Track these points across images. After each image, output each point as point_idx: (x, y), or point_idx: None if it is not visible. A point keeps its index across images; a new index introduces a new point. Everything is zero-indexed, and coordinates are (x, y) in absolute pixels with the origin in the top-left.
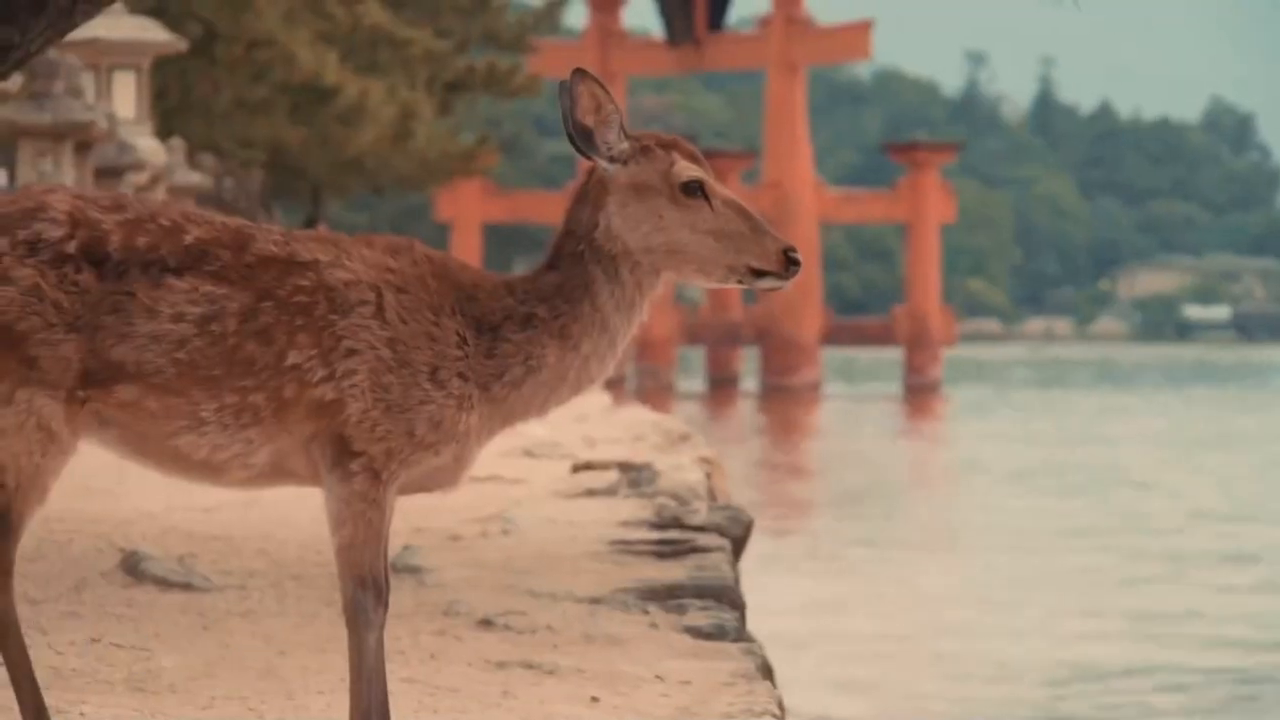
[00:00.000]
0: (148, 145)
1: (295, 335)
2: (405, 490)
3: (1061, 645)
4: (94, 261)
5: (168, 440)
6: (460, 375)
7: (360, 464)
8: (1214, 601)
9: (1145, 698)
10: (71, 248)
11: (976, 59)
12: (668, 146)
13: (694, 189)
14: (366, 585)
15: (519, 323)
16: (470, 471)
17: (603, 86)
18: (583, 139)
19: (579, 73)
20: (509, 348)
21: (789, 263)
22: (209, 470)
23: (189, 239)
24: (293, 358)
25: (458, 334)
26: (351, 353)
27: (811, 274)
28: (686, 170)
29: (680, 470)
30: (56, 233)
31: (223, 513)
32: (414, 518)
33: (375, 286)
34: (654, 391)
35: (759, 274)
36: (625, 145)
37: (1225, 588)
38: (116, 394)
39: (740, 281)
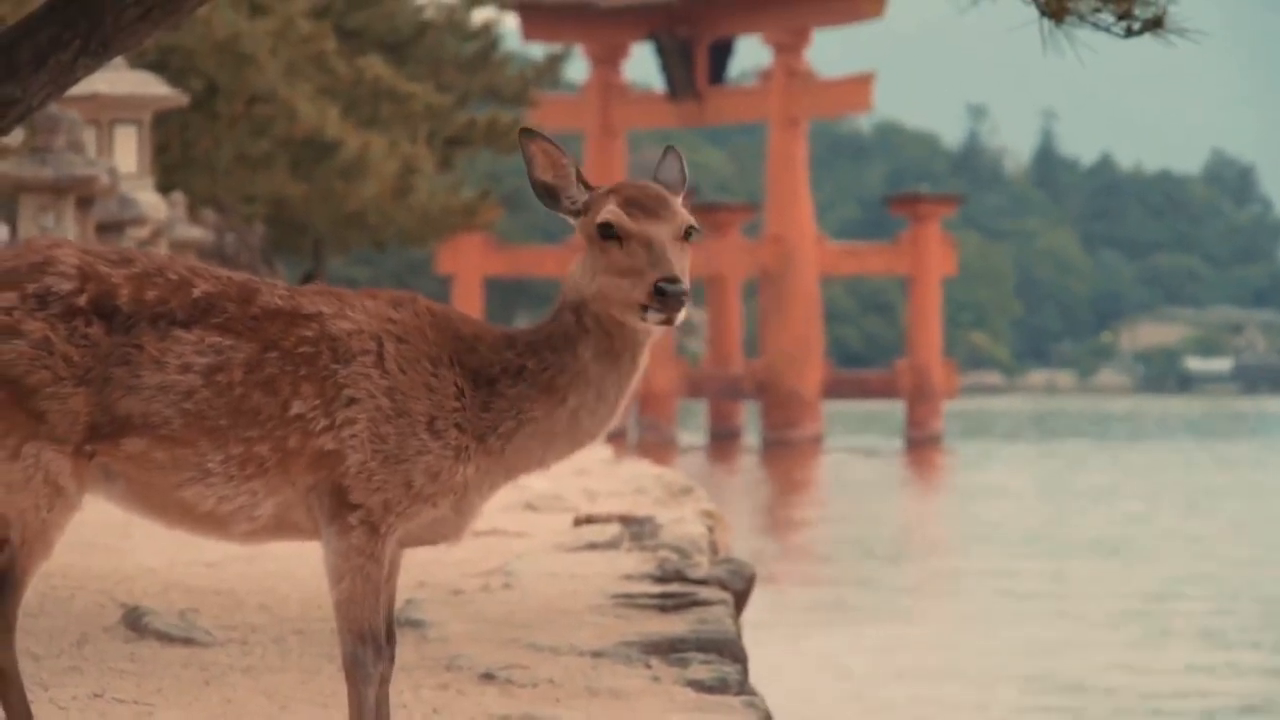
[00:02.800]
0: (149, 200)
1: (299, 385)
2: (407, 542)
3: (1066, 698)
4: (103, 315)
5: (174, 492)
6: (457, 426)
7: (358, 517)
8: (1208, 665)
9: None
10: (82, 301)
11: (977, 112)
12: (609, 192)
13: (607, 231)
14: (365, 639)
15: (512, 376)
16: (473, 524)
17: (552, 142)
18: (547, 196)
19: (526, 133)
20: (502, 401)
21: (657, 293)
22: (215, 523)
23: (196, 292)
24: (296, 407)
25: (455, 385)
26: (352, 401)
27: (813, 327)
28: (605, 213)
29: (682, 524)
30: (66, 286)
31: (225, 568)
32: (416, 572)
33: (377, 336)
34: (655, 445)
35: (645, 309)
36: (585, 196)
37: (1217, 653)
38: (124, 447)
39: (643, 319)
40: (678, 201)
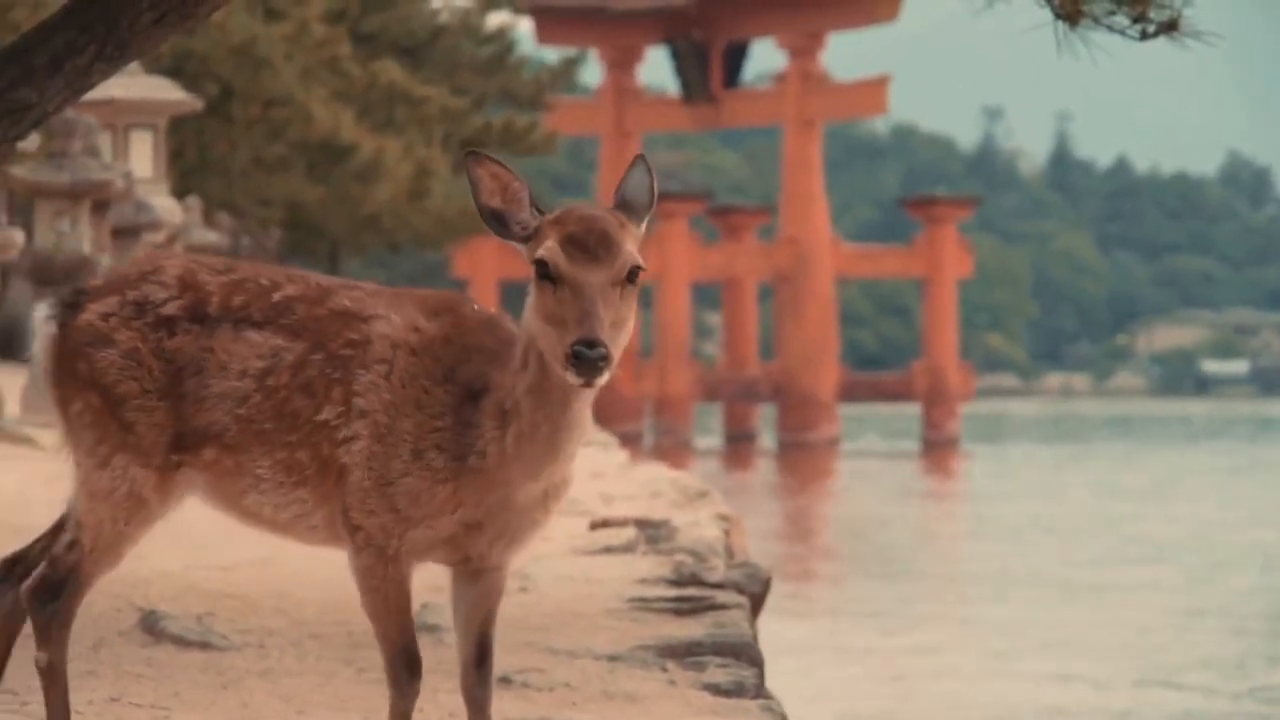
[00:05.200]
0: (165, 204)
1: (331, 390)
2: (445, 561)
3: (1076, 698)
4: (191, 324)
5: (239, 499)
6: (437, 447)
7: (362, 538)
8: (1228, 656)
9: None
10: (172, 309)
11: (993, 114)
12: (554, 223)
13: (542, 269)
14: (396, 658)
15: (487, 393)
16: (516, 543)
17: (502, 165)
18: (495, 222)
19: (473, 155)
20: (479, 417)
21: (574, 356)
22: (281, 529)
23: (277, 296)
24: (325, 413)
25: (443, 403)
26: (361, 414)
27: (828, 330)
28: (542, 250)
29: (698, 527)
30: (161, 295)
31: (241, 571)
32: (431, 576)
33: (397, 345)
34: (671, 448)
35: (564, 367)
36: (536, 222)
37: (1239, 638)
38: (202, 455)
39: (565, 377)
40: (627, 235)
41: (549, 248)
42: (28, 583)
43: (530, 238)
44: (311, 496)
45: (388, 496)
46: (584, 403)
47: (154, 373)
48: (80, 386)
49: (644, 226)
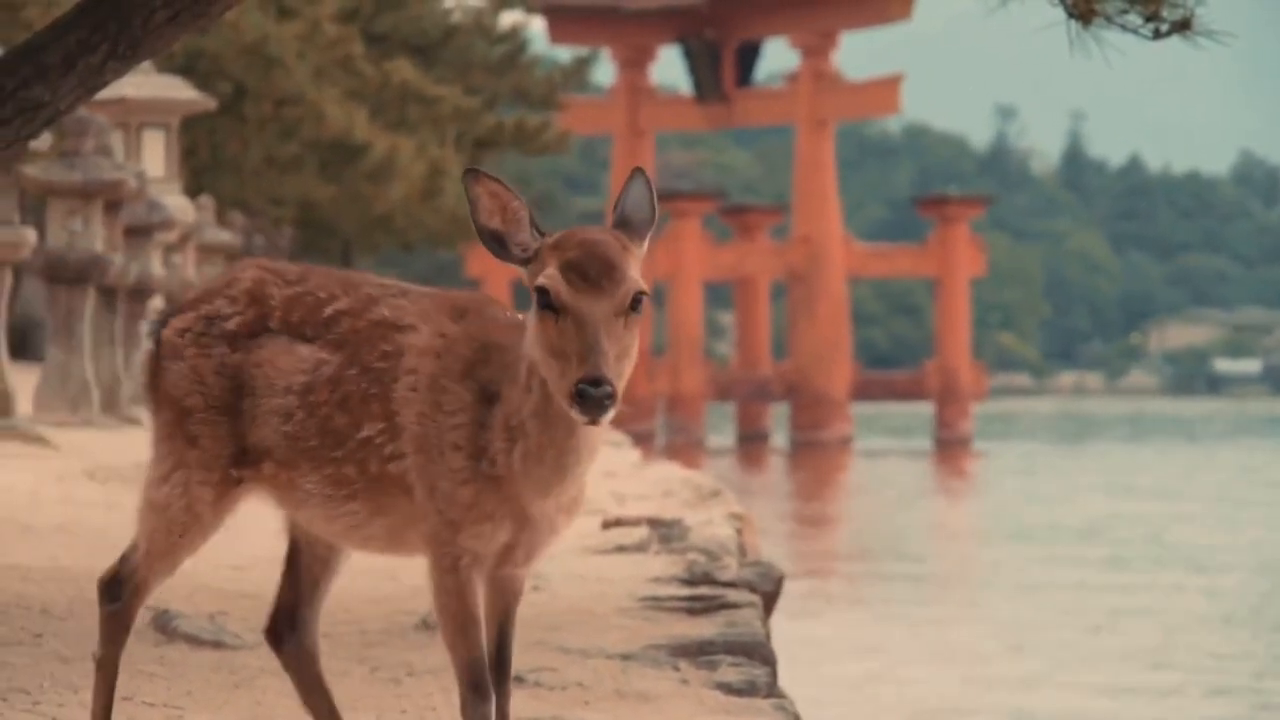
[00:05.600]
0: (177, 203)
1: (370, 405)
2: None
3: (1090, 701)
4: (253, 338)
5: (296, 511)
6: (454, 445)
7: (431, 553)
8: (1240, 662)
9: None
10: (235, 324)
11: (1006, 113)
12: (554, 247)
13: (544, 298)
14: (460, 678)
15: (499, 402)
16: (530, 551)
17: (501, 183)
18: (494, 243)
19: (472, 173)
20: (491, 422)
21: (578, 395)
22: (339, 538)
23: (329, 310)
24: (366, 429)
25: (460, 399)
26: (402, 430)
27: (841, 329)
28: (543, 278)
29: (711, 526)
30: (229, 310)
31: (254, 570)
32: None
33: (423, 353)
34: (684, 447)
35: (569, 404)
36: (536, 244)
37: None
38: (261, 470)
39: (570, 412)
40: (630, 258)
41: (550, 276)
42: (102, 575)
43: (530, 260)
44: (364, 509)
45: (434, 503)
46: (595, 431)
47: (217, 388)
48: (158, 401)
49: (645, 245)
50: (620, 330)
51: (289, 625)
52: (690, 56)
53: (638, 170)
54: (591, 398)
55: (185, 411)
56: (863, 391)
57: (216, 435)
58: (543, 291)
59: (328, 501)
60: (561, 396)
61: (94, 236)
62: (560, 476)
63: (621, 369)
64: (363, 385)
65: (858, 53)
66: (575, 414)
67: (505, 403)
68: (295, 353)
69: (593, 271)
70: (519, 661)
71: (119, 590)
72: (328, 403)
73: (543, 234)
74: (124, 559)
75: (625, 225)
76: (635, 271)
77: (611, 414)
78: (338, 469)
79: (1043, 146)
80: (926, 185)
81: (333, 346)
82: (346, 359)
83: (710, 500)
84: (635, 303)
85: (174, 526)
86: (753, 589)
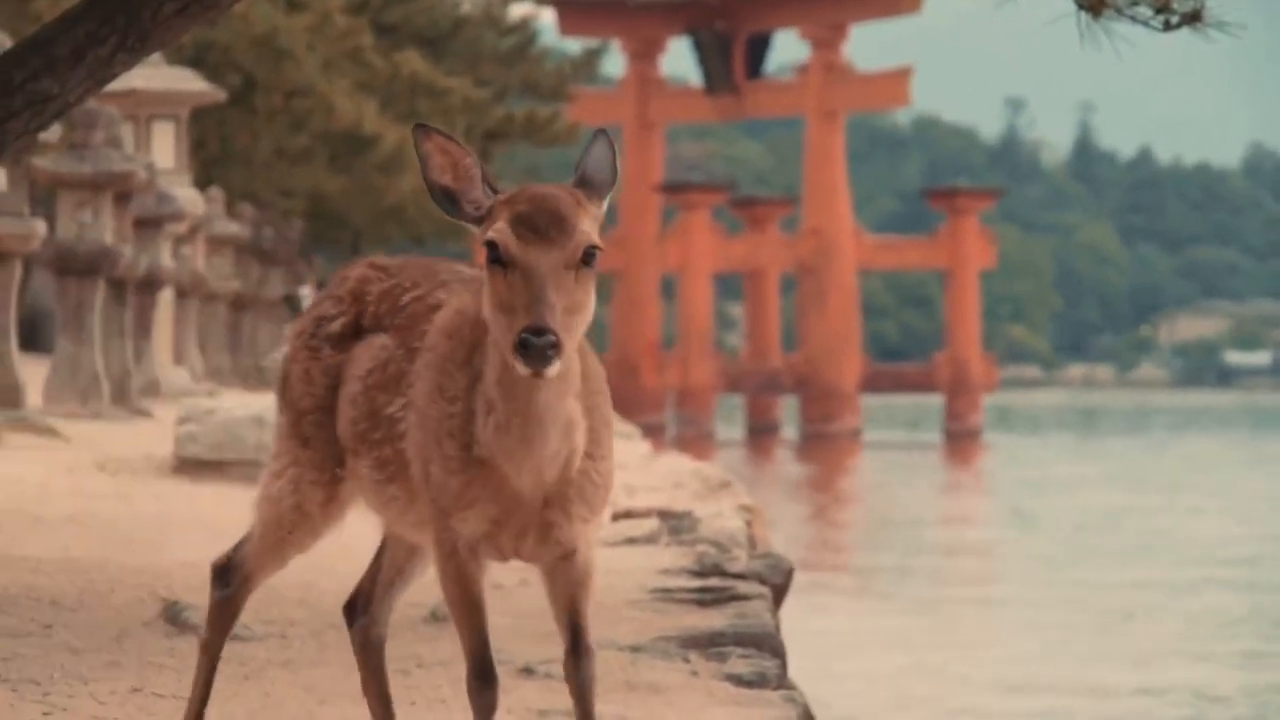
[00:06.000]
0: (187, 195)
1: (401, 382)
2: (494, 559)
3: (1107, 697)
4: (351, 336)
5: (366, 503)
6: (450, 434)
7: (432, 538)
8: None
9: None
10: (338, 325)
11: (1016, 105)
12: (506, 202)
13: (493, 252)
14: (469, 665)
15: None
16: (540, 540)
17: (452, 139)
18: (445, 200)
19: (421, 129)
20: (478, 404)
21: (520, 345)
22: (393, 526)
23: (406, 298)
24: (394, 406)
25: (460, 386)
26: (410, 405)
27: (851, 321)
28: (491, 232)
29: (720, 518)
30: (333, 310)
31: None
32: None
33: (440, 332)
34: (693, 439)
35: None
36: (489, 202)
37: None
38: (348, 465)
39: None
40: (584, 214)
41: (498, 229)
42: (216, 560)
43: (483, 218)
44: (402, 493)
45: (429, 487)
46: (553, 394)
47: (322, 389)
48: (280, 401)
49: (604, 205)
50: (570, 284)
51: (362, 608)
52: (700, 48)
53: (600, 132)
54: (534, 346)
55: (300, 413)
56: (873, 384)
57: (325, 436)
58: (491, 246)
59: (375, 486)
60: (506, 350)
61: (104, 228)
62: (528, 448)
63: (571, 324)
64: (403, 365)
65: (868, 45)
66: (519, 366)
67: (485, 377)
68: (373, 344)
69: (541, 223)
70: (530, 653)
71: (230, 577)
72: (377, 384)
73: (496, 192)
74: (238, 546)
75: (585, 185)
76: (589, 226)
77: (556, 365)
78: (380, 450)
79: (1052, 139)
80: (936, 177)
81: (396, 332)
82: (399, 341)
83: (720, 492)
84: (588, 257)
85: (284, 522)
86: (762, 581)
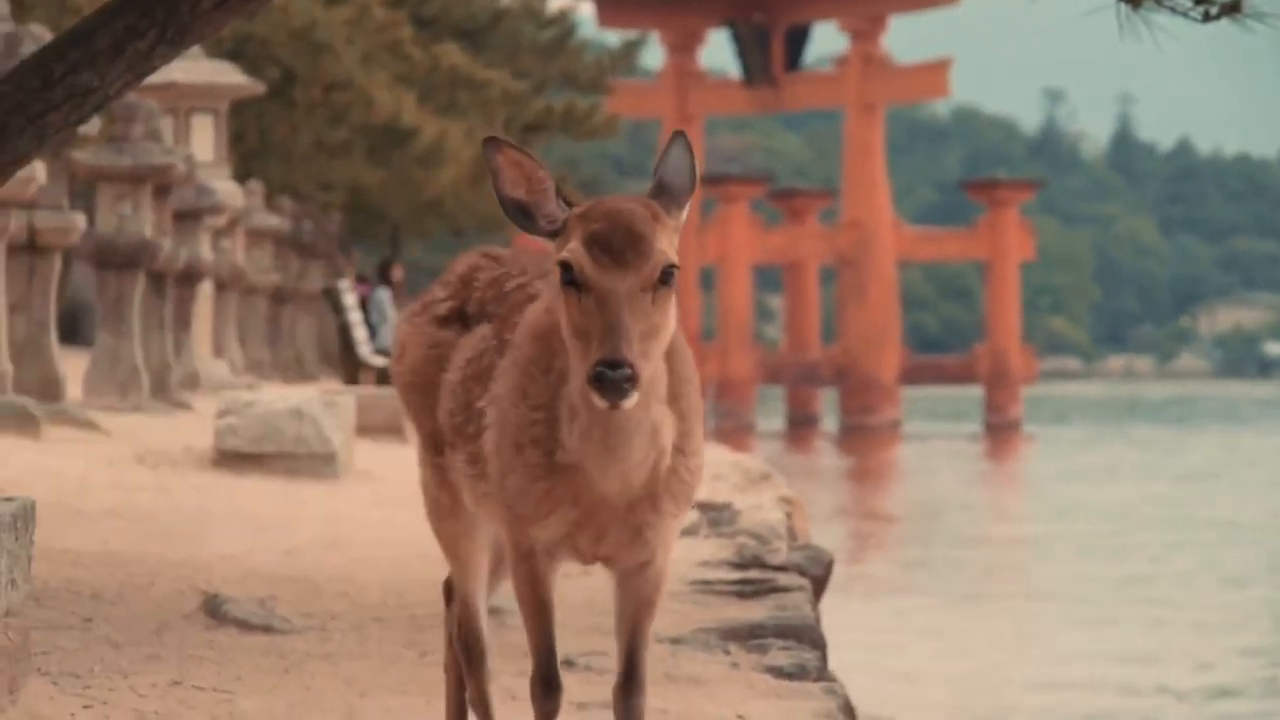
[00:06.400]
0: (226, 188)
1: (488, 378)
2: (575, 560)
3: (1145, 683)
4: (454, 323)
5: (465, 494)
6: (533, 441)
7: (507, 538)
8: None
9: None
10: (444, 310)
11: (1055, 96)
12: (580, 218)
13: (566, 274)
14: (535, 668)
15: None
16: (620, 544)
17: (525, 153)
18: (520, 215)
19: (493, 143)
20: (563, 408)
21: (595, 377)
22: (490, 524)
23: (509, 285)
24: (482, 399)
25: (544, 392)
26: (493, 401)
27: (891, 313)
28: (566, 252)
29: (760, 510)
30: (441, 295)
31: (304, 555)
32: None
33: (528, 330)
34: (733, 431)
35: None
36: (563, 215)
37: None
38: (448, 455)
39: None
40: (661, 229)
41: (573, 250)
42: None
43: (558, 232)
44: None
45: (505, 492)
46: (637, 406)
47: (424, 375)
48: (398, 388)
49: (684, 213)
50: (647, 307)
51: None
52: (739, 40)
53: (678, 133)
54: (609, 380)
55: (410, 401)
56: (912, 375)
57: (425, 422)
58: (565, 267)
59: (468, 481)
60: (581, 380)
61: (143, 221)
62: (611, 457)
63: (648, 349)
64: (494, 358)
65: (907, 36)
66: (595, 398)
67: (570, 383)
68: (476, 333)
69: (617, 244)
70: (571, 645)
71: (449, 593)
72: (473, 376)
73: (570, 205)
74: None
75: (663, 193)
76: (666, 243)
77: (634, 398)
78: (472, 445)
79: (1092, 130)
80: (976, 169)
81: (496, 321)
82: (494, 332)
83: (760, 484)
84: (665, 276)
85: (430, 509)
86: (802, 572)
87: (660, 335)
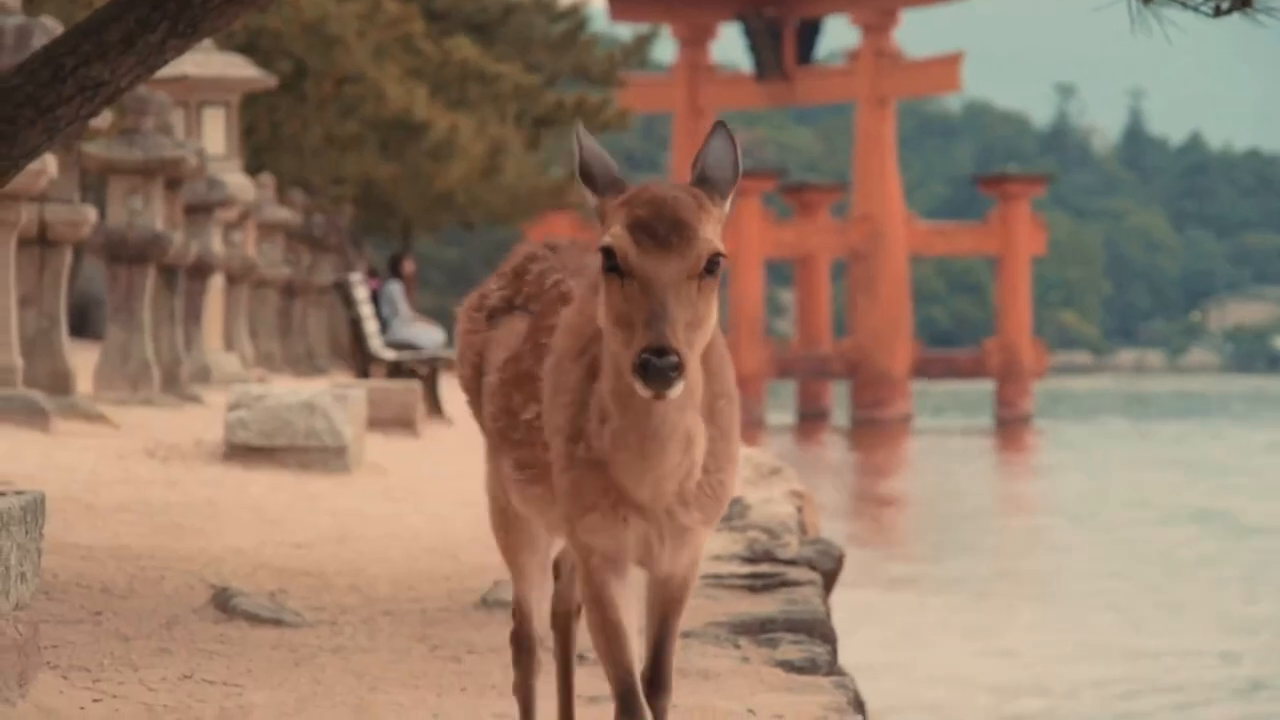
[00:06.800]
0: (237, 181)
1: (535, 383)
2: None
3: (1157, 678)
4: (504, 315)
5: (514, 498)
6: (557, 429)
7: (575, 556)
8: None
9: None
10: (495, 300)
11: (1066, 91)
12: (624, 204)
13: (609, 260)
14: (614, 693)
15: (596, 380)
16: (676, 547)
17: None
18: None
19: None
20: (592, 402)
21: (640, 365)
22: (545, 529)
23: (552, 279)
24: (530, 411)
25: (575, 378)
26: (543, 414)
27: (902, 307)
28: (609, 236)
29: (771, 504)
30: (494, 286)
31: (314, 549)
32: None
33: (563, 328)
34: (744, 425)
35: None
36: (611, 200)
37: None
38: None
39: (635, 386)
40: (706, 217)
41: (616, 234)
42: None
43: (604, 215)
44: (546, 494)
45: (561, 497)
46: (673, 407)
47: (477, 367)
48: (461, 389)
49: (728, 204)
50: (693, 295)
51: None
52: (750, 34)
53: (719, 124)
54: (655, 368)
55: (471, 402)
56: (923, 370)
57: (477, 415)
58: (608, 252)
59: (518, 486)
60: (625, 368)
61: (154, 214)
62: (645, 462)
63: (693, 338)
64: (532, 364)
65: (918, 30)
66: (639, 388)
67: (601, 380)
68: (514, 328)
69: (662, 229)
70: (581, 640)
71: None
72: (510, 380)
73: (619, 189)
74: None
75: (705, 183)
76: (712, 231)
77: (679, 387)
78: (519, 452)
79: (1103, 124)
80: (987, 163)
81: (531, 318)
82: (528, 332)
83: (771, 478)
84: (711, 265)
85: (492, 518)
86: (813, 567)
87: (704, 326)
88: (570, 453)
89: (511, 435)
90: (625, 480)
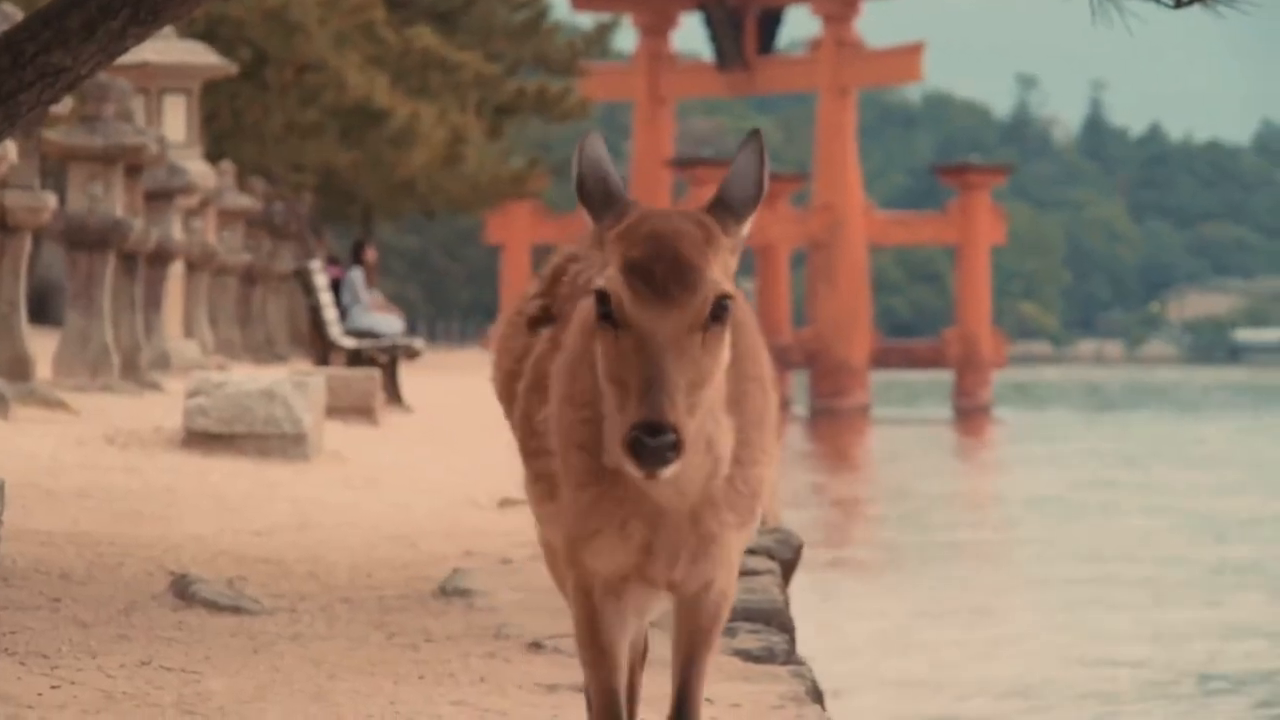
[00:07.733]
0: (198, 169)
1: (544, 388)
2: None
3: (1114, 666)
4: (541, 324)
5: (534, 513)
6: (579, 445)
7: (569, 571)
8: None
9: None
10: (532, 308)
11: (1027, 82)
12: (621, 236)
13: (602, 305)
14: (594, 709)
15: None
16: (693, 559)
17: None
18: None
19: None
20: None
21: (630, 442)
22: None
23: (584, 278)
24: (540, 414)
25: (589, 389)
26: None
27: (861, 297)
28: (604, 279)
29: None
30: (533, 290)
31: (273, 536)
32: (465, 540)
33: (577, 327)
34: None
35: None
36: (609, 223)
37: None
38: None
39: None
40: (714, 252)
41: (610, 278)
42: None
43: (601, 243)
44: (559, 509)
45: (565, 509)
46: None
47: (514, 374)
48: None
49: (746, 227)
50: (695, 352)
51: None
52: (711, 23)
53: (754, 133)
54: (647, 450)
55: (507, 413)
56: (882, 359)
57: (512, 428)
58: (602, 297)
59: (535, 501)
60: (615, 440)
61: (114, 201)
62: (654, 479)
63: (695, 401)
64: (547, 364)
65: (879, 20)
66: (629, 466)
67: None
68: (543, 335)
69: (660, 275)
70: (539, 627)
71: None
72: (530, 385)
73: (622, 207)
74: None
75: (723, 207)
76: (720, 269)
77: (675, 467)
78: (536, 463)
79: (1063, 115)
80: (948, 153)
81: (560, 322)
82: (552, 335)
83: None
84: (718, 312)
85: (546, 546)
86: (771, 556)
87: (708, 383)
88: (578, 465)
89: (529, 444)
90: (642, 485)
